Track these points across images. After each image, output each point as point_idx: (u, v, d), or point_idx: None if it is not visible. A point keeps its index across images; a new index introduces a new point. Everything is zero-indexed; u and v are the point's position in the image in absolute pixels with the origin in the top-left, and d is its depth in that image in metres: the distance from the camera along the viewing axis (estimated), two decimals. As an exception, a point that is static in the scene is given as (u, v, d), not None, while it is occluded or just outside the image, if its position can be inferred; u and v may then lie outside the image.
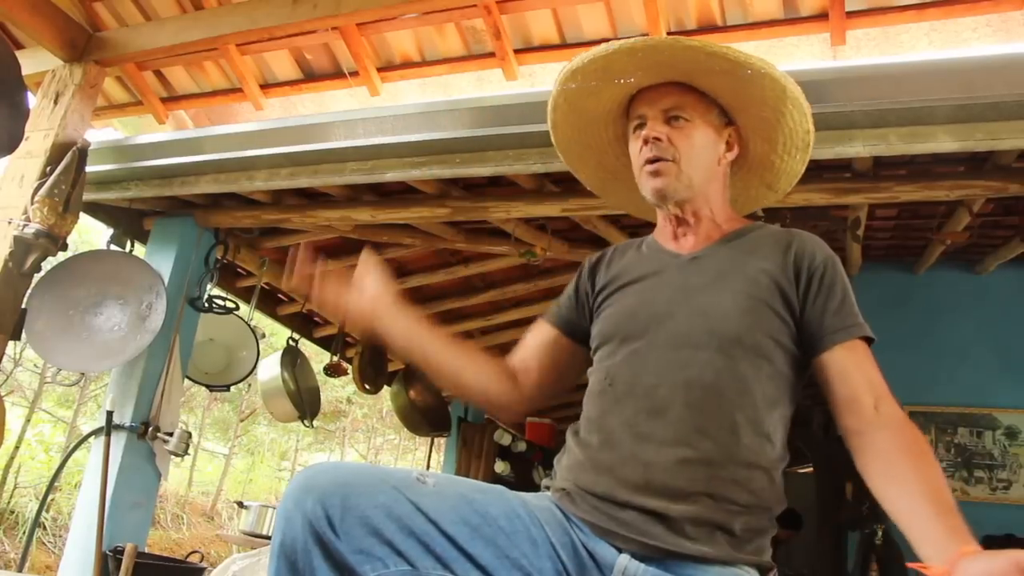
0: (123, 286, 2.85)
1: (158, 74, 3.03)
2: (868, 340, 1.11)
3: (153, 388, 2.91)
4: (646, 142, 1.20)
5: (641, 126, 1.23)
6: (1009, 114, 1.82)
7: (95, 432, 2.84)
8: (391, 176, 2.46)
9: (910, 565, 0.86)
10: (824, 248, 1.17)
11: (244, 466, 12.55)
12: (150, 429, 2.83)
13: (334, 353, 4.34)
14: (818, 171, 2.52)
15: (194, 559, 2.93)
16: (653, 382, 1.08)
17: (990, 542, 2.41)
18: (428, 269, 4.06)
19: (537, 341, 1.33)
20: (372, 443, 14.90)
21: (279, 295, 4.27)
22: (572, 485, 1.07)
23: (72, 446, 3.21)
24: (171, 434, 2.84)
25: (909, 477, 0.95)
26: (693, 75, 1.21)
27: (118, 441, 2.77)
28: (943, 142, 1.90)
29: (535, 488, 1.30)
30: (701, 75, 1.21)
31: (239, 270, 3.81)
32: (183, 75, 3.02)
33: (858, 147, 1.97)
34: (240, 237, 3.41)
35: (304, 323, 4.46)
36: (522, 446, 6.25)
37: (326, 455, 13.75)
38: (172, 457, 2.93)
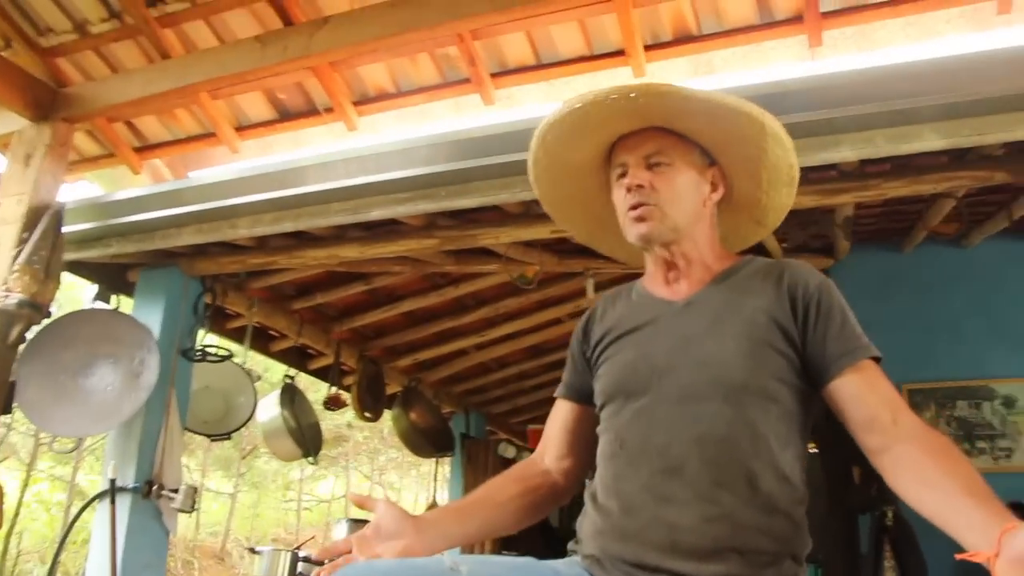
0: (113, 344, 2.79)
1: (129, 125, 2.98)
2: (876, 360, 1.10)
3: (153, 445, 2.86)
4: (629, 190, 1.20)
5: (624, 174, 1.23)
6: (993, 109, 1.82)
7: (98, 496, 2.79)
8: (376, 214, 2.43)
9: (959, 556, 0.84)
10: (816, 274, 1.18)
11: (250, 501, 12.44)
12: (154, 488, 2.78)
13: (331, 384, 4.28)
14: (804, 172, 2.51)
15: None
16: (665, 440, 1.07)
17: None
18: (419, 293, 4.02)
19: (560, 426, 1.32)
20: (375, 463, 14.79)
21: (270, 331, 4.21)
22: (601, 552, 1.06)
23: (74, 516, 3.15)
24: (176, 490, 2.79)
25: (942, 477, 0.94)
26: (671, 119, 1.21)
27: (123, 503, 2.72)
28: (930, 140, 1.90)
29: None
30: (679, 118, 1.20)
31: (228, 312, 3.75)
32: (155, 124, 2.97)
33: (845, 151, 1.96)
34: (227, 281, 3.36)
35: (298, 357, 4.40)
36: (526, 457, 6.20)
37: (330, 481, 13.65)
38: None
